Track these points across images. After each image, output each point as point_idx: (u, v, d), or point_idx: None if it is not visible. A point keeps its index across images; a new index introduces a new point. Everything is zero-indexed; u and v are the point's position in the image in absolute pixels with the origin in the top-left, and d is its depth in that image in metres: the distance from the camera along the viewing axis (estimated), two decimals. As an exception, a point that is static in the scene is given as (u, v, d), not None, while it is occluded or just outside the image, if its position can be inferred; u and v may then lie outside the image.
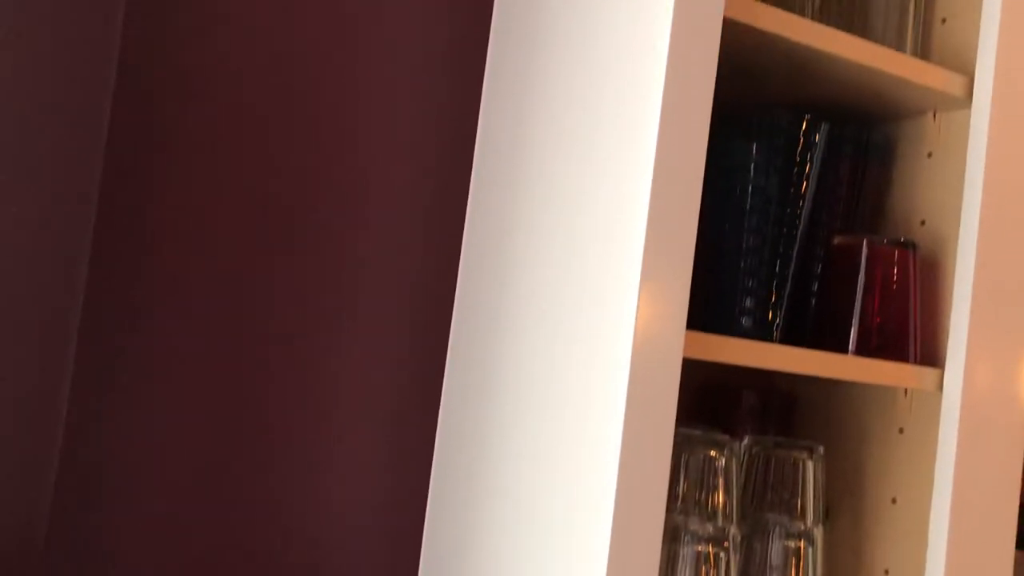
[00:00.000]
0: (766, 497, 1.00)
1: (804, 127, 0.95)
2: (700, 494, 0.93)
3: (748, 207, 0.93)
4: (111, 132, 0.97)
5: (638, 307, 0.82)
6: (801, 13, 1.08)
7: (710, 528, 0.91)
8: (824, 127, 0.97)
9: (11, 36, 0.92)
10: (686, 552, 0.90)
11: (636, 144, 0.84)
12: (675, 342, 0.83)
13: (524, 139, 1.02)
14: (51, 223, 0.94)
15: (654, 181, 0.82)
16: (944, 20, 1.08)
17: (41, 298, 0.94)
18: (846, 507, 1.08)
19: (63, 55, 0.94)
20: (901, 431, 1.03)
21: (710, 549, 0.91)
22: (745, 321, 0.92)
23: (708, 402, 1.14)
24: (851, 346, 0.97)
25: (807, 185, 0.95)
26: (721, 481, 0.92)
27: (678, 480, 0.92)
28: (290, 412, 1.05)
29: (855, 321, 0.97)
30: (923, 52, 1.09)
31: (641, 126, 0.83)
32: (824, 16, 1.11)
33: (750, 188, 0.93)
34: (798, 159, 0.95)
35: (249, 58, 1.04)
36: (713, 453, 0.90)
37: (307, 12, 1.07)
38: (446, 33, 1.13)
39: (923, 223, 1.06)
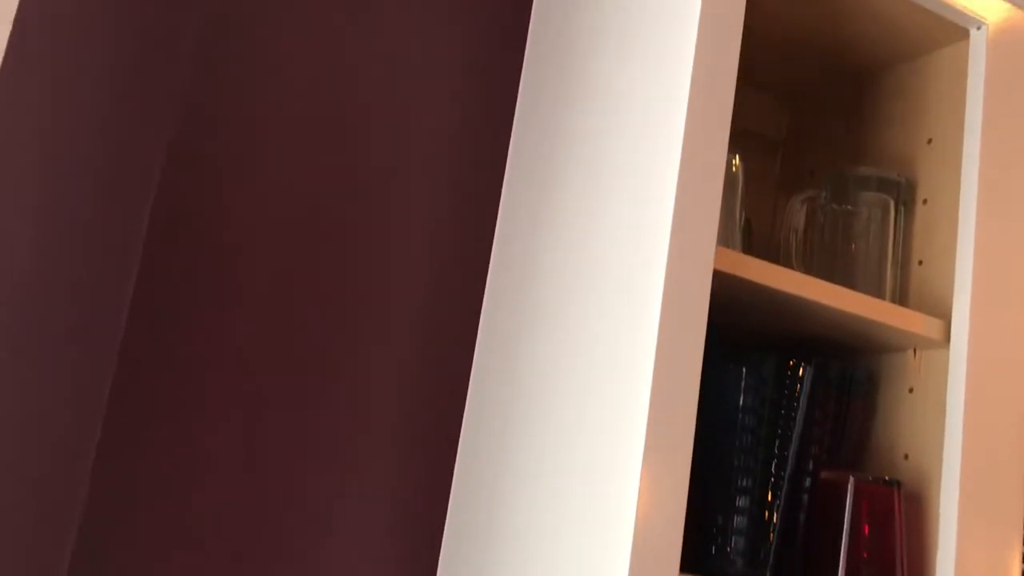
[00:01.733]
0: None
1: (790, 372, 1.00)
2: None
3: (738, 448, 0.96)
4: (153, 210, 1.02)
5: (632, 550, 0.84)
6: (787, 259, 1.15)
7: None
8: (809, 371, 1.01)
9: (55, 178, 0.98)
10: None
11: (628, 399, 0.88)
12: (668, 588, 0.85)
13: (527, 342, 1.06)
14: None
15: (648, 435, 0.85)
16: (921, 262, 1.15)
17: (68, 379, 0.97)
18: None
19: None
20: (891, 668, 1.04)
21: None
22: (737, 561, 0.94)
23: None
24: (839, 585, 0.99)
25: (795, 426, 0.99)
26: None
27: None
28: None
29: (842, 559, 0.99)
30: (901, 293, 1.15)
31: (632, 386, 0.88)
32: (808, 255, 1.18)
33: (738, 429, 0.96)
34: (785, 402, 0.99)
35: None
36: None
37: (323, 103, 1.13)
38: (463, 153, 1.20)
39: (906, 457, 1.09)
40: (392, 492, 1.13)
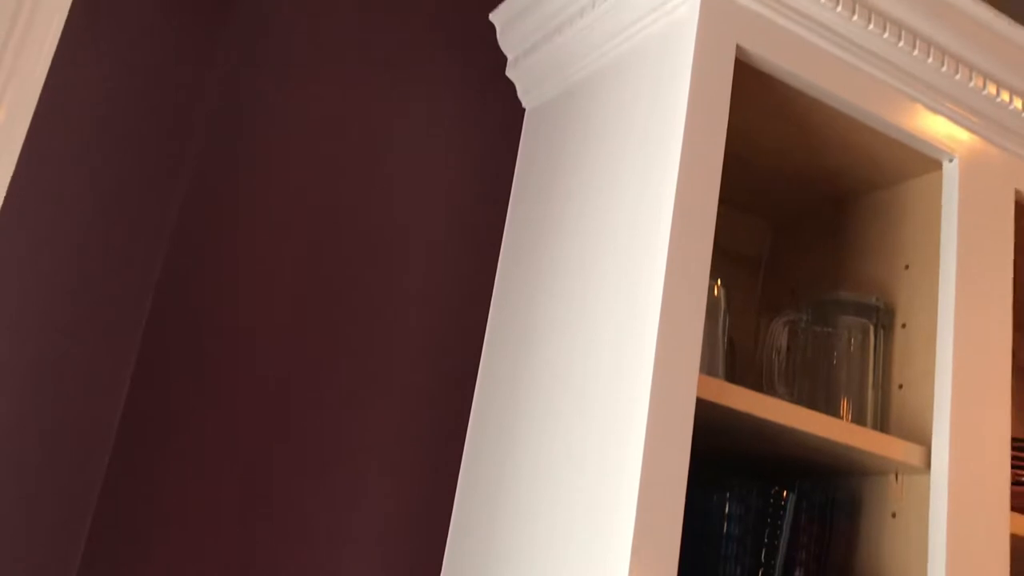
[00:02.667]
0: None
1: (772, 498, 1.01)
2: None
3: (722, 576, 0.96)
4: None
5: None
6: (769, 379, 1.17)
7: None
8: (792, 497, 1.02)
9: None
10: None
11: (611, 534, 0.88)
12: None
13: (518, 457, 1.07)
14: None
15: (632, 567, 0.85)
16: (901, 386, 1.16)
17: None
18: None
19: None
20: None
21: None
22: None
23: None
24: None
25: (778, 554, 1.00)
26: None
27: None
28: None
29: None
30: (883, 416, 1.16)
31: (615, 521, 0.88)
32: (790, 375, 1.20)
33: (722, 558, 0.97)
34: (768, 530, 0.99)
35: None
36: None
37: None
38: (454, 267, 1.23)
39: (892, 584, 1.09)
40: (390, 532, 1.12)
